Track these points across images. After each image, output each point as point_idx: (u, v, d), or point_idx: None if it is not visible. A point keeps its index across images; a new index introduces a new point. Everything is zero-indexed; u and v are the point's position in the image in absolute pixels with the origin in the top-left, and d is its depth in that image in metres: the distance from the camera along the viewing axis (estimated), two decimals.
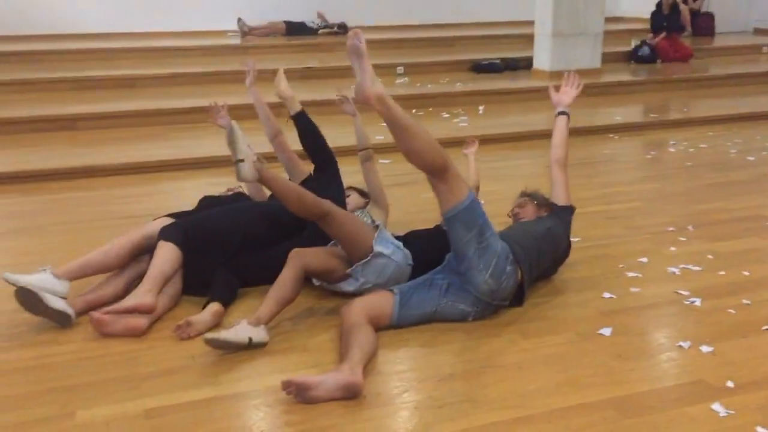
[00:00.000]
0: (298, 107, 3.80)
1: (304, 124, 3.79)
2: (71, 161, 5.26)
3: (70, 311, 2.87)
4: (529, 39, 8.51)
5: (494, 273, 2.85)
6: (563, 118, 3.51)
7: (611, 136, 6.33)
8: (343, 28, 10.05)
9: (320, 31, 10.04)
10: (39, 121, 6.18)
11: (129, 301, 2.84)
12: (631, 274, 3.42)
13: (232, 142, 2.94)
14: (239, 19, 9.78)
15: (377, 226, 3.21)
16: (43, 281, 2.86)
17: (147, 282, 2.90)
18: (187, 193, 4.51)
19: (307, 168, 3.80)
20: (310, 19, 10.15)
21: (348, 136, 4.26)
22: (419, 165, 2.79)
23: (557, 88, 3.60)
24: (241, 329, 2.71)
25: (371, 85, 2.67)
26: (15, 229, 4.16)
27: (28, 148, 5.69)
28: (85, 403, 2.40)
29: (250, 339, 2.70)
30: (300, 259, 2.95)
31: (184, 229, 3.14)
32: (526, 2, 8.99)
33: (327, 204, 3.03)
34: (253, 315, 2.78)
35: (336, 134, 4.65)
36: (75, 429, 2.26)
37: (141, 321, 2.83)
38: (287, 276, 2.89)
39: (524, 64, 8.52)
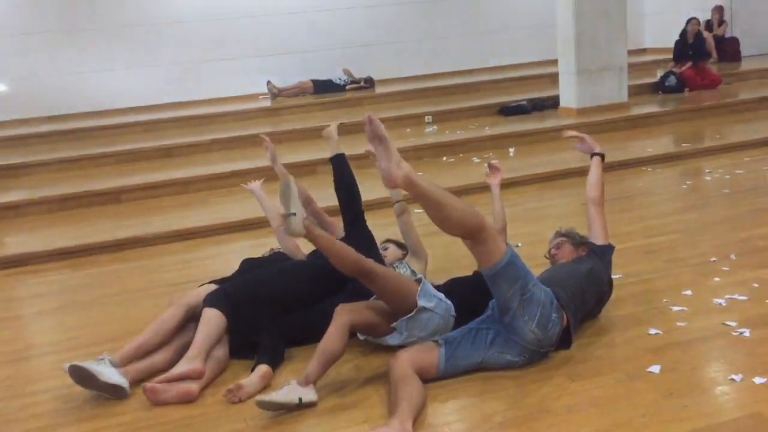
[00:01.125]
0: (338, 150, 3.93)
1: (342, 167, 3.90)
2: (117, 233, 5.43)
3: (124, 384, 2.94)
4: (554, 78, 8.59)
5: (540, 322, 2.86)
6: (597, 159, 3.57)
7: (645, 168, 6.31)
8: (369, 83, 10.26)
9: (347, 87, 10.26)
10: (85, 197, 6.40)
11: (179, 369, 2.91)
12: (676, 308, 3.39)
13: (285, 195, 3.04)
14: (268, 82, 10.07)
15: (419, 280, 3.25)
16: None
17: (194, 348, 2.98)
18: (229, 257, 4.62)
19: (338, 225, 3.89)
20: (336, 76, 10.39)
21: (380, 189, 4.33)
22: (455, 234, 2.81)
23: (575, 141, 3.73)
24: (290, 390, 2.76)
25: (396, 168, 2.65)
26: (66, 304, 4.29)
27: (76, 223, 5.88)
28: None
29: (300, 399, 2.74)
30: (346, 315, 3.00)
31: (228, 293, 3.22)
32: (548, 42, 9.10)
33: (369, 262, 3.08)
34: (301, 374, 2.82)
35: (369, 186, 4.77)
36: None
37: (193, 387, 2.89)
38: (333, 333, 2.94)
39: (551, 104, 8.59)
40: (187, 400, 2.88)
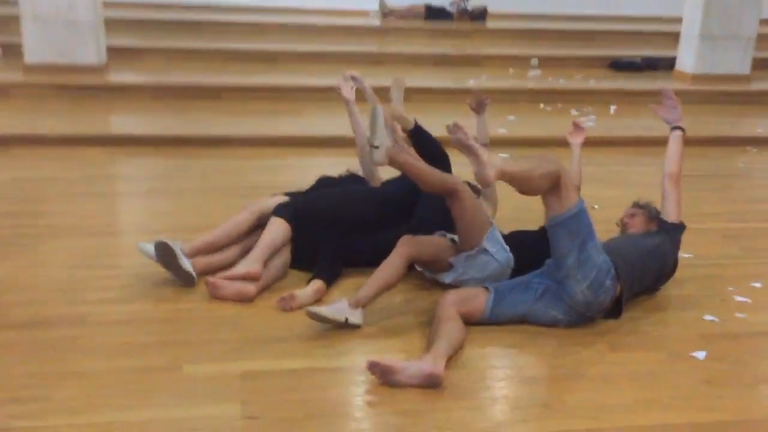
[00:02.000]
0: (411, 123, 3.86)
1: (420, 137, 3.87)
2: (211, 130, 5.65)
3: (194, 273, 3.16)
4: (674, 38, 8.16)
5: (592, 285, 2.87)
6: (678, 133, 3.41)
7: (749, 148, 6.02)
8: (480, 15, 9.99)
9: (456, 17, 10.02)
10: (188, 89, 6.64)
11: (239, 269, 3.10)
12: (739, 299, 3.32)
13: (372, 124, 3.14)
14: (381, 1, 9.96)
15: (491, 223, 3.29)
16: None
17: (255, 252, 3.16)
18: (310, 170, 4.71)
19: None
20: (449, 1, 10.16)
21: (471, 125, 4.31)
22: (538, 194, 2.87)
23: (658, 106, 3.51)
24: (339, 308, 2.89)
25: (488, 168, 2.68)
26: (155, 189, 4.55)
27: (174, 113, 6.14)
28: (192, 358, 2.66)
29: (347, 319, 2.88)
30: (410, 246, 3.08)
31: (296, 207, 3.36)
32: None
33: (457, 181, 3.18)
34: (353, 296, 2.95)
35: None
36: (180, 381, 2.52)
37: (250, 288, 3.08)
38: (392, 261, 3.03)
39: (666, 64, 8.19)
40: (244, 299, 3.07)
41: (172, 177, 4.79)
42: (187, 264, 3.15)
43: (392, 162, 3.14)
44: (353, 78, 4.13)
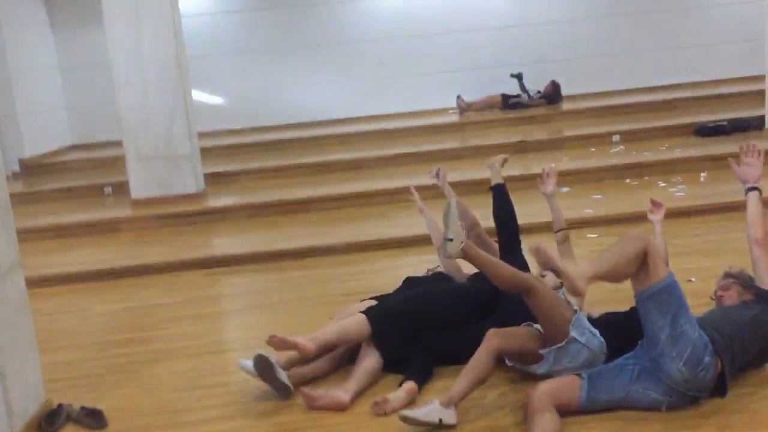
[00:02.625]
0: (500, 180, 4.07)
1: (501, 196, 4.04)
2: (302, 242, 5.91)
3: (291, 386, 3.28)
4: (761, 96, 7.96)
5: (689, 362, 2.78)
6: (755, 193, 3.28)
7: None
8: (555, 97, 10.04)
9: (527, 102, 10.11)
10: (279, 205, 7.00)
11: (333, 392, 3.19)
12: None
13: (445, 218, 3.25)
14: (458, 97, 10.25)
15: (575, 311, 3.27)
16: None
17: (352, 383, 3.24)
18: (398, 271, 4.83)
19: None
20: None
21: (543, 213, 4.36)
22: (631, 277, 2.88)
23: (737, 161, 3.36)
24: (432, 409, 2.91)
25: (578, 282, 2.72)
26: (249, 305, 4.78)
27: (269, 230, 6.46)
28: None
29: (440, 420, 2.89)
30: (496, 339, 3.10)
31: (384, 310, 3.45)
32: (755, 55, 8.44)
33: (530, 278, 3.21)
34: (445, 394, 2.96)
35: (533, 209, 4.80)
36: None
37: (344, 396, 3.16)
38: (481, 356, 3.05)
39: (756, 124, 7.97)
40: (339, 407, 3.14)
41: (267, 291, 5.01)
42: (283, 376, 3.27)
43: (465, 256, 3.20)
44: (438, 172, 4.39)
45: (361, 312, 3.42)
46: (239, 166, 8.39)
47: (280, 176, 8.12)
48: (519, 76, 10.11)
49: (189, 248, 6.06)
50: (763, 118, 7.81)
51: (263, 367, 3.25)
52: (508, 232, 3.95)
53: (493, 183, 4.12)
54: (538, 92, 10.16)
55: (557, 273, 2.78)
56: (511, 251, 3.86)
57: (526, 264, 3.82)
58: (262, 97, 10.57)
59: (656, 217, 3.81)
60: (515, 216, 4.02)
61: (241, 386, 3.44)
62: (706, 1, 10.71)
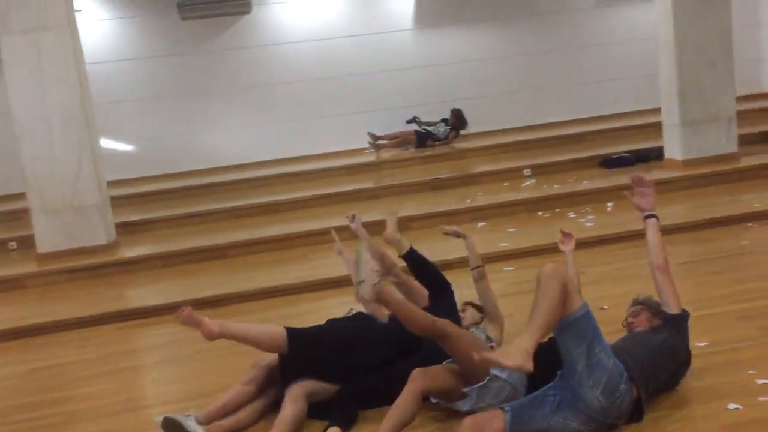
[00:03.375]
0: (406, 247, 4.06)
1: (415, 261, 4.04)
2: (219, 289, 5.77)
3: None
4: (659, 128, 8.37)
5: (605, 390, 2.84)
6: (653, 221, 3.41)
7: (750, 225, 6.04)
8: (460, 123, 10.24)
9: (440, 134, 10.27)
10: (195, 252, 6.84)
11: None
12: (761, 381, 3.26)
13: (357, 262, 3.21)
14: (369, 133, 10.30)
15: (492, 347, 3.30)
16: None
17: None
18: (319, 314, 4.77)
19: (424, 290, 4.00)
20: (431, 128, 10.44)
21: (460, 249, 4.40)
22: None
23: (632, 193, 3.49)
24: None
25: (520, 361, 2.65)
26: (165, 358, 4.62)
27: (184, 278, 6.30)
28: None
29: None
30: (422, 379, 3.09)
31: (307, 337, 3.40)
32: (652, 90, 8.89)
33: (443, 324, 3.19)
34: None
35: (451, 245, 4.85)
36: None
37: None
38: (408, 397, 3.03)
39: (656, 155, 8.37)
40: None
41: (184, 342, 4.85)
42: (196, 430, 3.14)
43: (379, 298, 3.18)
44: (353, 218, 4.37)
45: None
46: (152, 214, 8.18)
47: (196, 223, 7.95)
48: (415, 120, 10.27)
49: (100, 302, 5.83)
50: (661, 148, 8.21)
51: (172, 429, 3.13)
52: (434, 284, 3.97)
53: (401, 253, 4.08)
54: (444, 123, 10.33)
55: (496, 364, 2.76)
56: (439, 296, 3.89)
57: (455, 305, 3.85)
58: (174, 143, 10.39)
59: (567, 247, 3.90)
60: (436, 268, 4.05)
61: None
62: (607, 39, 11.25)
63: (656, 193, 3.49)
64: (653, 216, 3.43)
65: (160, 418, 3.17)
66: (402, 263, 4.15)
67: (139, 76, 10.32)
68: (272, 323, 3.52)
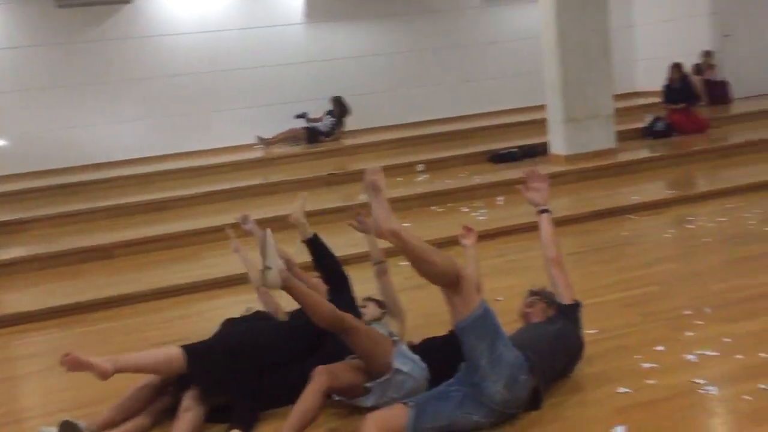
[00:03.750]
0: (310, 233, 3.98)
1: (317, 248, 3.97)
2: (106, 291, 5.50)
3: None
4: (544, 124, 8.68)
5: (508, 383, 2.90)
6: (546, 215, 3.52)
7: (630, 217, 6.37)
8: (342, 111, 10.27)
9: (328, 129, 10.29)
10: (76, 253, 6.48)
11: None
12: (646, 365, 3.42)
13: (263, 249, 3.11)
14: (257, 137, 10.16)
15: (395, 341, 3.30)
16: None
17: None
18: (214, 314, 4.65)
19: (321, 285, 3.95)
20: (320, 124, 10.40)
21: (363, 244, 4.39)
22: (436, 284, 2.93)
23: (527, 187, 3.59)
24: None
25: (386, 220, 2.80)
26: (51, 365, 4.31)
27: (66, 280, 5.96)
28: None
29: None
30: (325, 377, 3.05)
31: (205, 348, 3.28)
32: (537, 88, 9.21)
33: (347, 318, 3.15)
34: None
35: (354, 240, 4.83)
36: None
37: None
38: (309, 395, 2.98)
39: (541, 150, 8.68)
40: None
41: (69, 348, 4.53)
42: None
43: (285, 286, 3.12)
44: (245, 218, 4.26)
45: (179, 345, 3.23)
46: (28, 213, 7.70)
47: (76, 222, 7.55)
48: (304, 116, 10.20)
49: None
50: (546, 144, 8.52)
51: None
52: (334, 276, 3.92)
53: (303, 238, 4.00)
54: (329, 115, 10.31)
55: (375, 192, 2.78)
56: (339, 291, 3.85)
57: (354, 300, 3.82)
58: (50, 138, 9.86)
59: (468, 241, 3.96)
60: (336, 260, 3.99)
61: None
62: (494, 38, 11.58)
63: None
64: (546, 210, 3.51)
65: (54, 428, 2.96)
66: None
67: (14, 66, 9.71)
68: (169, 345, 3.33)
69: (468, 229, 4.01)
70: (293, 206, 4.08)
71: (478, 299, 2.93)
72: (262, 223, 4.44)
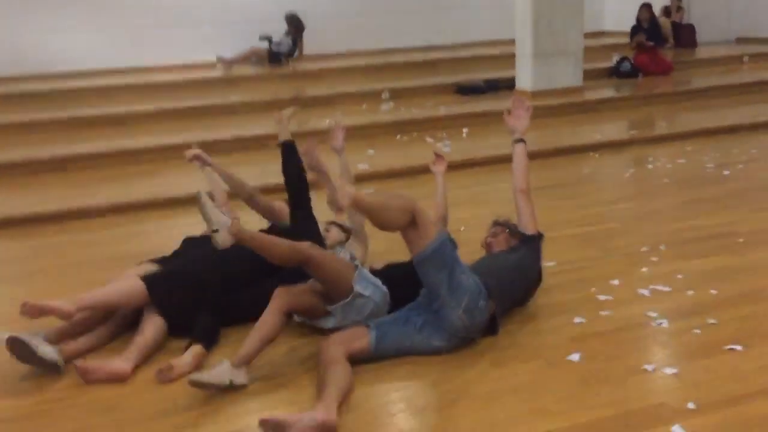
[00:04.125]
0: (289, 136, 3.92)
1: (290, 154, 3.91)
2: (62, 204, 5.38)
3: (59, 360, 2.97)
4: (512, 58, 8.64)
5: (467, 309, 2.94)
6: (521, 145, 3.52)
7: (592, 154, 6.44)
8: (294, 34, 10.07)
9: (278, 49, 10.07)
10: (31, 164, 6.31)
11: (112, 364, 2.94)
12: (602, 297, 3.51)
13: (203, 213, 3.04)
14: (217, 57, 9.88)
15: (356, 266, 3.30)
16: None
17: (132, 351, 3.01)
18: (172, 232, 4.59)
19: (285, 208, 3.92)
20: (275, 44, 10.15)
21: (331, 166, 4.36)
22: (395, 230, 2.94)
23: (509, 112, 3.59)
24: (221, 371, 2.80)
25: (341, 194, 2.78)
26: (4, 276, 4.26)
27: (20, 191, 5.81)
28: None
29: (231, 381, 2.79)
30: (283, 297, 3.05)
31: (165, 274, 3.25)
32: (507, 22, 9.13)
33: (306, 249, 3.09)
34: (235, 355, 2.87)
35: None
36: None
37: (123, 366, 2.93)
38: (270, 315, 2.98)
39: (507, 84, 8.65)
40: (118, 379, 2.91)
41: (21, 260, 4.52)
42: (49, 353, 2.95)
43: (237, 240, 3.06)
44: (197, 158, 4.15)
45: (139, 276, 3.19)
46: None
47: (29, 132, 7.33)
48: (268, 39, 9.95)
49: None
50: (513, 78, 8.49)
51: (19, 350, 2.93)
52: (297, 189, 3.87)
53: (281, 140, 3.94)
54: (286, 35, 10.06)
55: (322, 176, 2.76)
56: (301, 207, 3.81)
57: (316, 224, 3.79)
58: (3, 43, 9.42)
59: (439, 168, 3.96)
60: (304, 172, 3.94)
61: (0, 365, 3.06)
62: None
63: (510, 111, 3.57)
64: (522, 141, 3.52)
65: (4, 335, 2.92)
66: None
67: None
68: (127, 277, 3.26)
69: (439, 157, 4.01)
70: (284, 110, 4.07)
71: (434, 231, 2.94)
72: (219, 144, 4.35)
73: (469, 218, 4.66)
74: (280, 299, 3.03)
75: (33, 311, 2.87)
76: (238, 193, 4.06)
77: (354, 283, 3.15)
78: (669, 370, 2.81)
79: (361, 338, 2.97)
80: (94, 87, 8.73)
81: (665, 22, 10.63)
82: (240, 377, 2.82)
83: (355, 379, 2.81)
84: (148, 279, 3.20)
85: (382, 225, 2.92)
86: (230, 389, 2.79)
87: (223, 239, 3.01)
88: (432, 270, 2.93)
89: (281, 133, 3.97)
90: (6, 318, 3.51)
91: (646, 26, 9.64)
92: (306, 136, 4.42)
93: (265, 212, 4.01)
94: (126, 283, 3.19)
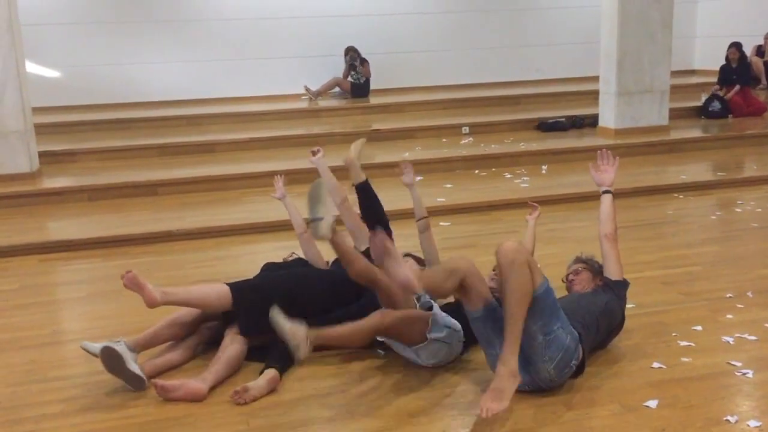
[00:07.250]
0: (362, 177, 3.98)
1: (366, 194, 3.97)
2: (151, 226, 5.61)
3: (144, 376, 3.09)
4: (595, 95, 8.54)
5: (558, 366, 2.89)
6: (608, 196, 3.52)
7: (676, 195, 6.27)
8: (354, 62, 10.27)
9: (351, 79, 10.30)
10: (124, 188, 6.62)
11: (190, 383, 3.03)
12: (683, 343, 3.40)
13: (316, 195, 3.11)
14: (305, 87, 10.20)
15: (430, 308, 3.28)
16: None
17: (210, 373, 3.09)
18: (255, 257, 4.73)
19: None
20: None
21: (406, 200, 4.40)
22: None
23: (596, 167, 3.61)
24: (300, 334, 2.94)
25: (405, 275, 2.70)
26: (94, 293, 4.47)
27: (113, 213, 6.09)
28: None
29: (300, 345, 2.92)
30: (387, 319, 3.08)
31: (251, 287, 3.35)
32: (592, 58, 9.05)
33: (380, 274, 3.15)
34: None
35: (395, 196, 4.85)
36: None
37: (201, 387, 3.02)
38: (365, 329, 3.06)
39: (590, 122, 8.55)
40: (196, 398, 3.00)
41: (111, 279, 4.68)
42: (134, 367, 3.08)
43: (333, 238, 3.13)
44: (316, 151, 4.25)
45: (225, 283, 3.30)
46: (78, 145, 7.87)
47: (124, 157, 7.70)
48: (353, 68, 10.21)
49: (22, 232, 5.59)
50: (596, 116, 8.38)
51: (112, 362, 3.05)
52: (379, 224, 3.92)
53: (355, 182, 3.98)
54: (353, 70, 10.27)
55: (387, 255, 2.74)
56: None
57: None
58: (103, 73, 9.99)
59: (533, 216, 4.08)
60: (383, 211, 3.99)
61: (85, 379, 3.21)
62: (547, 3, 11.34)
63: (587, 159, 3.60)
64: (609, 192, 3.54)
65: (98, 346, 3.05)
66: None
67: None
68: (214, 282, 3.42)
69: (533, 207, 4.12)
70: (351, 148, 4.08)
71: (540, 278, 2.84)
72: (305, 173, 4.45)
73: (543, 256, 4.56)
74: (381, 316, 3.08)
75: (131, 281, 3.01)
76: (332, 194, 4.08)
77: (428, 333, 3.14)
78: (753, 423, 2.69)
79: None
80: (185, 116, 9.12)
81: (757, 62, 10.30)
82: (303, 349, 2.92)
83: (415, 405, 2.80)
84: (233, 285, 3.31)
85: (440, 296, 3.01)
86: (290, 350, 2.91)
87: (323, 230, 3.07)
88: (529, 316, 2.82)
89: (353, 174, 3.96)
90: (93, 334, 3.68)
91: (735, 66, 9.37)
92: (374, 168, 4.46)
93: (355, 226, 3.99)
94: (211, 285, 3.31)
